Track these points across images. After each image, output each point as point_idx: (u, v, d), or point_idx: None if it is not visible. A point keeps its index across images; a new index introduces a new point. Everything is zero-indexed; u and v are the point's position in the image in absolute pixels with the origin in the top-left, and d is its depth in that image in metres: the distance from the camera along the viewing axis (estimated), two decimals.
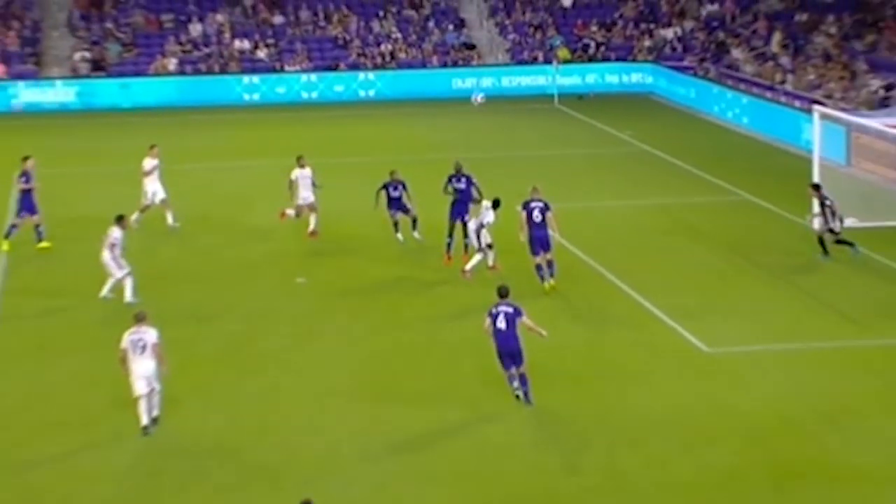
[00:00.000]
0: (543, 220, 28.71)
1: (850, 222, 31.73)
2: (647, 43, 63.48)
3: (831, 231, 31.10)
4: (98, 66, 60.26)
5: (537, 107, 57.54)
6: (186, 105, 57.58)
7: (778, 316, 27.49)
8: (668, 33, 63.89)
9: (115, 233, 28.25)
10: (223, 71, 60.68)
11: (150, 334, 21.20)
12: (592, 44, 63.70)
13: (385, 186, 32.54)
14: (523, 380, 22.22)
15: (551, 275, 28.89)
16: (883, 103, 45.69)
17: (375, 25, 63.95)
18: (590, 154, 46.70)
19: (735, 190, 39.57)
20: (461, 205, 31.03)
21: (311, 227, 33.89)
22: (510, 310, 22.07)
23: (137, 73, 60.10)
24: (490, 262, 30.20)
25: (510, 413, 22.12)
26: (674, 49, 62.96)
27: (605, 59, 63.05)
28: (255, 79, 60.07)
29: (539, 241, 28.74)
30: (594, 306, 28.32)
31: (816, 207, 31.90)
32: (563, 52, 62.47)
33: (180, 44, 61.72)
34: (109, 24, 62.32)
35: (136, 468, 20.40)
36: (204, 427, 21.88)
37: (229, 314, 28.04)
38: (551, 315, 26.30)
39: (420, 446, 21.04)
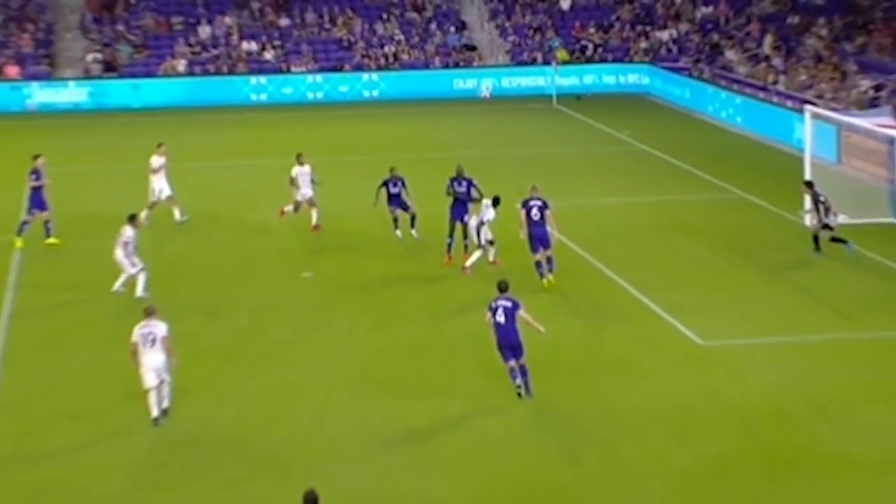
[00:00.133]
0: (542, 218, 28.66)
1: (840, 219, 31.68)
2: (644, 44, 63.41)
3: (826, 226, 31.04)
4: (109, 68, 60.23)
5: (536, 107, 57.48)
6: (195, 105, 57.55)
7: (771, 310, 27.46)
8: (664, 35, 63.81)
9: (128, 232, 28.25)
10: (231, 72, 60.65)
11: (159, 328, 21.18)
12: (590, 45, 63.64)
13: (385, 183, 32.51)
14: (523, 371, 22.20)
15: (550, 270, 28.84)
16: (872, 103, 45.59)
17: (379, 28, 63.89)
18: (588, 153, 46.65)
19: (729, 188, 39.52)
20: (461, 206, 30.93)
21: (314, 221, 33.90)
22: (509, 304, 22.04)
23: (148, 74, 60.07)
24: (491, 258, 30.16)
25: (510, 405, 22.08)
26: (669, 50, 62.89)
27: (603, 61, 62.99)
28: (262, 79, 60.02)
29: (538, 238, 28.69)
30: (592, 301, 28.27)
31: (808, 204, 31.86)
32: (562, 54, 62.41)
33: (189, 45, 61.68)
34: (121, 27, 62.28)
35: (146, 458, 20.37)
36: (212, 418, 21.85)
37: (237, 308, 28.01)
38: (551, 310, 26.27)
39: (422, 437, 21.02)
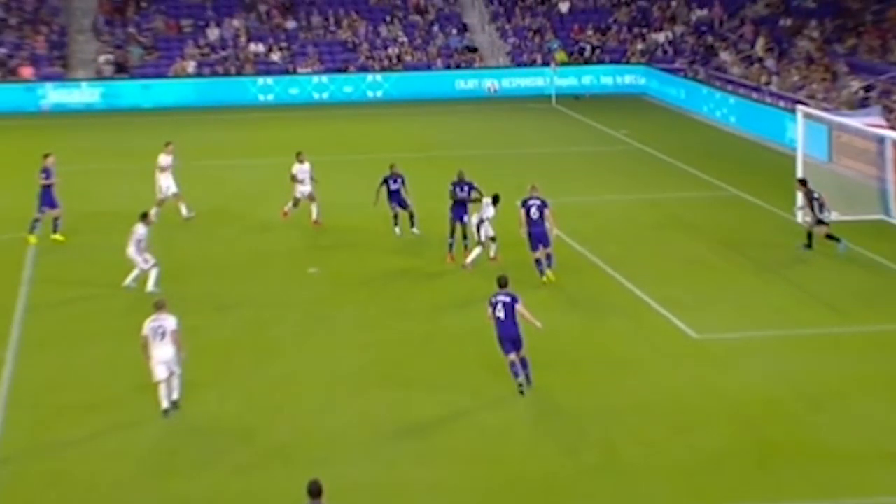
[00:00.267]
0: (541, 216, 28.57)
1: (832, 216, 31.58)
2: (640, 46, 63.32)
3: (821, 223, 30.95)
4: (121, 69, 60.17)
5: (536, 107, 57.40)
6: (204, 105, 57.50)
7: (764, 305, 27.38)
8: (660, 37, 63.71)
9: (141, 229, 28.20)
10: (239, 73, 60.57)
11: (169, 321, 21.12)
12: (588, 47, 63.54)
13: (385, 180, 32.45)
14: (524, 363, 22.13)
15: (549, 266, 28.76)
16: (862, 103, 45.54)
17: (383, 30, 63.80)
18: (586, 152, 46.56)
19: (723, 185, 39.44)
20: (461, 207, 30.80)
21: (314, 217, 33.88)
22: (507, 299, 21.96)
23: (158, 75, 60.00)
24: (492, 254, 30.09)
25: (511, 398, 22.01)
26: (665, 52, 62.79)
27: (601, 62, 62.90)
28: (269, 80, 59.95)
29: (537, 237, 28.60)
30: (590, 296, 28.20)
31: (801, 201, 31.79)
32: (561, 55, 62.32)
33: (199, 47, 61.60)
34: (132, 29, 62.21)
35: (156, 448, 20.33)
36: (221, 410, 21.81)
37: (244, 303, 27.95)
38: (549, 305, 26.20)
39: (425, 429, 20.95)
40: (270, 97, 59.69)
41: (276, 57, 61.72)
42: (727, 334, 25.47)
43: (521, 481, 19.04)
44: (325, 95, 60.06)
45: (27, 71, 59.01)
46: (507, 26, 65.20)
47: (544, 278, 28.60)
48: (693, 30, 63.48)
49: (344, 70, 61.24)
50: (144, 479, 19.32)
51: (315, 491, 15.07)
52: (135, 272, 28.26)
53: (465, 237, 30.64)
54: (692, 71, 59.21)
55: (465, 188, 30.92)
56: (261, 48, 62.00)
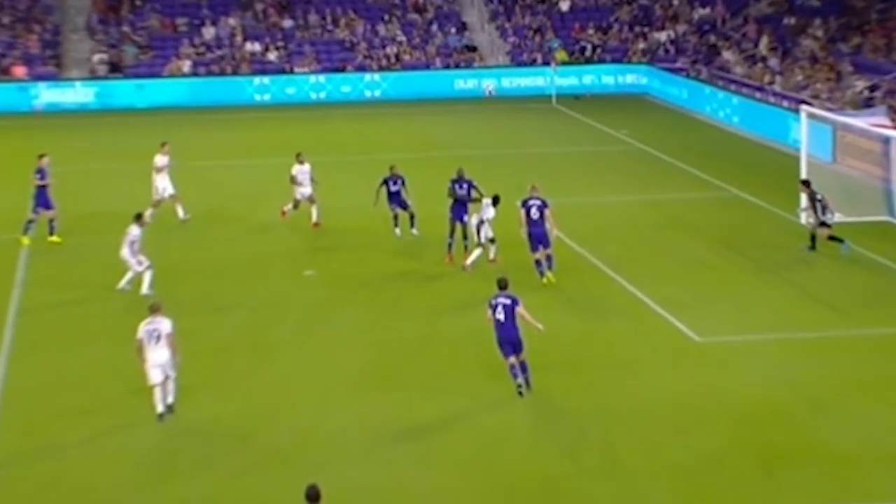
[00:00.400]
0: (541, 217, 28.68)
1: (836, 217, 31.69)
2: (642, 45, 63.43)
3: (824, 224, 31.07)
4: (115, 68, 60.27)
5: (536, 107, 57.50)
6: (200, 105, 57.58)
7: (767, 307, 27.49)
8: (662, 36, 63.82)
9: (134, 231, 28.26)
10: (235, 72, 60.68)
11: (164, 325, 21.20)
12: (589, 46, 63.65)
13: (385, 181, 32.56)
14: (523, 367, 22.24)
15: (550, 268, 28.88)
16: (867, 103, 45.64)
17: (381, 29, 63.91)
18: (587, 152, 46.67)
19: (726, 186, 39.55)
20: (461, 206, 30.97)
21: (314, 218, 33.97)
22: (508, 301, 22.06)
23: (153, 75, 60.09)
24: (491, 256, 30.20)
25: (510, 401, 22.12)
26: (667, 51, 62.91)
27: (602, 61, 63.00)
28: (266, 80, 60.05)
29: (537, 237, 28.72)
30: (591, 298, 28.31)
31: (805, 202, 31.89)
32: (561, 55, 62.43)
33: (194, 46, 61.71)
34: (126, 28, 62.31)
35: (152, 453, 20.42)
36: (217, 413, 21.90)
37: (241, 305, 28.06)
38: (549, 306, 26.31)
39: (424, 432, 21.06)
40: (267, 97, 59.79)
41: (272, 56, 61.83)
42: (728, 336, 25.59)
43: (521, 483, 19.16)
44: (323, 95, 60.16)
45: (20, 70, 59.11)
46: (507, 25, 65.31)
47: (544, 279, 28.72)
48: (695, 29, 63.59)
49: (341, 69, 61.33)
50: (141, 483, 19.42)
51: (313, 496, 15.12)
52: (129, 275, 28.34)
53: (465, 237, 30.76)
54: (695, 70, 59.32)
55: (465, 185, 31.04)
56: (257, 47, 62.10)
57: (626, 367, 23.90)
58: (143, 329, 21.19)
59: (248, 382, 23.40)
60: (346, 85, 60.55)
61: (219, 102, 58.17)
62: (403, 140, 48.59)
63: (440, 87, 60.65)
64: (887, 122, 37.52)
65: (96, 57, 60.58)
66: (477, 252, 30.02)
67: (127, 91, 58.85)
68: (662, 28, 64.37)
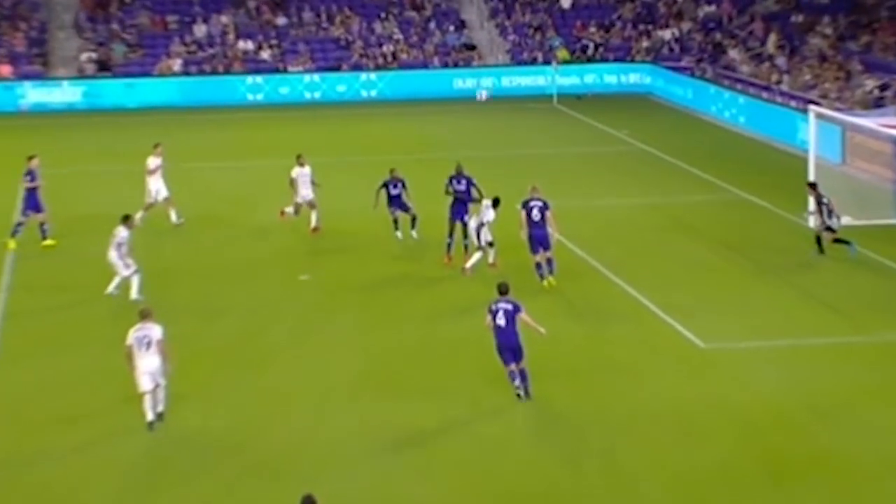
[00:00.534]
0: (543, 218, 28.73)
1: (844, 220, 31.77)
2: (645, 44, 63.52)
3: (829, 229, 31.14)
4: (104, 67, 60.31)
5: (537, 107, 57.58)
6: (191, 105, 57.65)
7: (773, 312, 27.53)
8: (666, 34, 63.91)
9: (122, 232, 28.27)
10: (227, 71, 60.73)
11: (154, 331, 21.22)
12: (591, 45, 63.74)
13: (385, 184, 32.60)
14: (523, 375, 22.27)
15: (550, 272, 28.93)
16: (877, 103, 45.70)
17: (377, 27, 63.98)
18: (588, 153, 46.74)
19: (731, 188, 39.61)
20: (461, 205, 31.09)
21: (313, 224, 33.98)
22: (509, 306, 22.10)
23: (143, 74, 60.14)
24: (490, 260, 30.25)
25: (510, 408, 22.16)
26: (671, 50, 62.99)
27: (604, 60, 63.10)
28: (259, 79, 60.12)
29: (538, 239, 28.77)
30: (592, 303, 28.36)
31: (813, 206, 31.94)
32: (563, 53, 62.51)
33: (185, 44, 61.76)
34: (115, 25, 62.36)
35: (141, 462, 20.44)
36: (208, 422, 21.92)
37: (233, 311, 28.09)
38: (550, 311, 26.34)
39: (421, 441, 21.09)
40: (260, 97, 59.84)
41: (265, 55, 61.89)
42: (733, 342, 25.64)
43: (521, 492, 19.19)
44: (317, 95, 60.22)
45: (5, 69, 59.15)
46: (507, 23, 65.39)
47: (545, 283, 28.76)
48: (700, 26, 63.67)
49: (337, 68, 61.39)
50: (130, 493, 19.44)
51: None
52: (116, 279, 28.34)
53: (465, 236, 30.83)
54: (699, 69, 59.39)
55: (463, 182, 31.17)
56: (250, 45, 62.16)
57: (628, 374, 23.95)
58: (132, 335, 21.20)
59: (240, 390, 23.43)
60: (342, 84, 60.61)
61: (210, 102, 58.22)
62: (400, 141, 48.65)
63: (438, 87, 60.72)
64: None
65: (84, 55, 60.62)
66: (477, 255, 30.06)
67: (116, 91, 58.89)
68: (666, 26, 64.46)
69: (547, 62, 61.55)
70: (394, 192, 32.56)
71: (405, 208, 32.70)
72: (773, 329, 26.49)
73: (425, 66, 62.35)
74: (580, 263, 31.29)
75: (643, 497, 19.06)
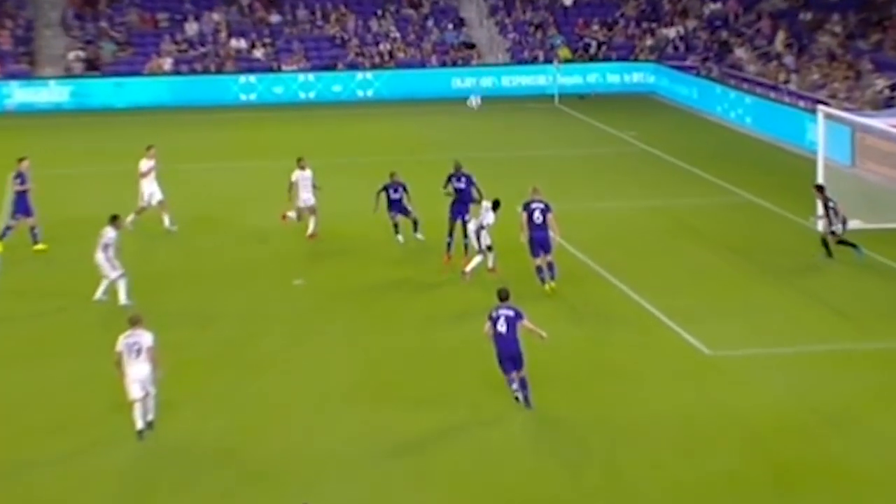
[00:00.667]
0: (544, 221, 28.78)
1: (854, 224, 31.86)
2: (649, 42, 63.61)
3: (833, 233, 31.24)
4: (92, 66, 60.37)
5: (538, 107, 57.65)
6: (182, 105, 57.70)
7: (781, 318, 27.60)
8: (671, 32, 64.01)
9: (110, 233, 28.28)
10: (219, 70, 60.80)
11: (145, 338, 21.25)
12: (594, 43, 63.83)
13: (385, 188, 32.64)
14: (523, 383, 22.32)
15: (552, 277, 28.99)
16: (888, 103, 45.79)
17: (374, 24, 64.06)
18: (591, 154, 46.81)
19: (738, 191, 39.69)
20: (461, 204, 31.25)
21: (311, 230, 33.86)
22: (511, 313, 22.15)
23: (132, 73, 60.19)
24: (490, 265, 30.31)
25: (510, 416, 22.22)
26: (676, 48, 63.08)
27: (607, 59, 63.20)
28: (252, 78, 60.19)
29: (539, 242, 28.83)
30: (594, 308, 28.42)
31: (820, 209, 32.02)
32: (564, 52, 62.60)
33: (176, 43, 61.82)
34: (104, 23, 62.42)
35: (131, 472, 20.49)
36: (200, 431, 21.97)
37: (226, 317, 28.14)
38: (552, 317, 26.39)
39: (419, 450, 21.15)
40: (253, 96, 59.91)
41: (259, 53, 61.96)
42: (739, 349, 25.70)
43: (521, 502, 19.25)
44: (312, 95, 60.29)
45: None
46: (507, 21, 65.48)
47: (546, 287, 28.81)
48: (706, 24, 63.78)
49: (332, 67, 61.47)
50: None
51: None
52: (104, 283, 28.35)
53: (465, 236, 30.94)
54: (705, 69, 59.49)
55: (463, 180, 31.34)
56: (243, 44, 62.24)
57: (632, 382, 24.01)
58: (122, 342, 21.24)
59: (233, 397, 23.48)
60: (337, 84, 60.69)
61: (202, 102, 58.27)
62: (397, 142, 48.71)
63: (436, 87, 60.79)
64: None
65: (72, 54, 60.68)
66: (477, 259, 30.12)
67: (104, 90, 58.95)
68: (671, 24, 64.56)
69: (548, 61, 61.64)
70: (394, 196, 32.59)
71: (406, 212, 32.74)
72: (780, 335, 26.56)
73: (423, 65, 62.43)
74: (582, 267, 31.36)
75: None
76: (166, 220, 35.00)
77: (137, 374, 21.16)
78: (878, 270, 30.92)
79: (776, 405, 22.84)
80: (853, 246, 31.18)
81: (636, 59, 62.98)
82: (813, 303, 28.75)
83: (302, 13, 64.30)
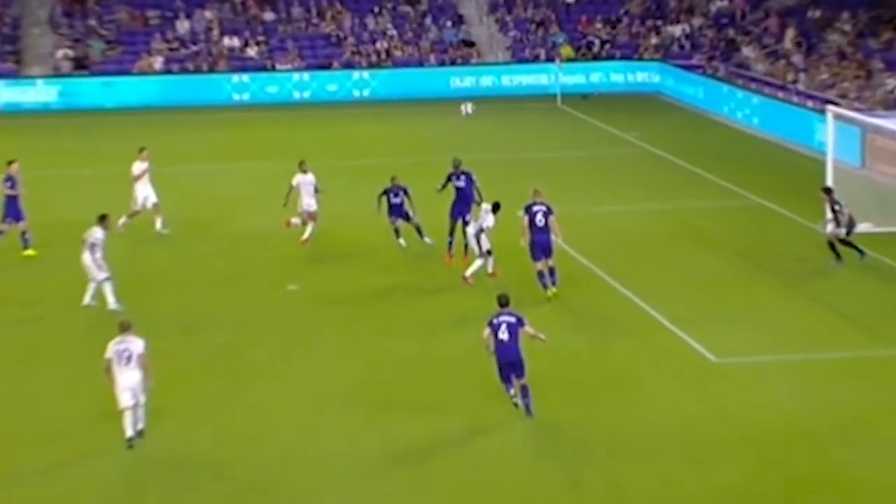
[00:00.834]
0: (546, 224, 28.76)
1: (865, 227, 31.86)
2: (654, 40, 63.63)
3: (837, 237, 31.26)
4: (81, 65, 60.40)
5: (539, 107, 57.67)
6: (173, 105, 57.72)
7: (790, 324, 27.58)
8: (676, 30, 64.04)
9: (97, 233, 28.21)
10: (211, 70, 60.83)
11: (135, 344, 21.20)
12: (597, 41, 63.86)
13: (385, 192, 32.57)
14: (525, 392, 22.27)
15: (553, 282, 28.96)
16: None
17: (370, 22, 64.08)
18: (593, 156, 46.83)
19: (745, 193, 39.68)
20: (461, 204, 31.36)
21: (305, 236, 33.65)
22: (512, 319, 22.10)
23: (122, 72, 60.24)
24: (490, 269, 30.28)
25: (509, 425, 22.19)
26: (682, 47, 63.11)
27: (610, 58, 63.24)
28: (245, 78, 60.22)
29: (541, 246, 28.79)
30: (598, 314, 28.40)
31: (829, 213, 32.01)
32: (567, 50, 62.62)
33: (167, 41, 61.84)
34: (92, 21, 62.46)
35: (120, 483, 20.45)
36: (192, 441, 21.94)
37: (218, 323, 28.11)
38: (554, 323, 26.37)
39: (416, 460, 21.11)
40: (246, 96, 59.94)
41: (252, 52, 61.98)
42: (747, 356, 25.68)
43: None
44: (307, 94, 60.31)
45: None
46: (508, 18, 65.52)
47: (548, 293, 28.78)
48: (713, 22, 63.80)
49: (327, 66, 61.49)
50: None
51: None
52: (91, 287, 28.31)
53: (465, 235, 31.02)
54: (711, 68, 59.51)
55: (463, 178, 31.39)
56: (235, 42, 62.26)
57: (636, 389, 23.98)
58: (112, 348, 21.20)
59: (224, 407, 23.44)
60: (333, 83, 60.72)
61: (193, 102, 58.30)
62: (395, 143, 48.73)
63: (435, 86, 60.82)
64: None
65: (60, 52, 60.71)
66: (478, 263, 30.11)
67: (93, 90, 58.98)
68: (677, 22, 64.59)
69: (550, 60, 61.67)
70: (394, 200, 32.51)
71: (407, 217, 32.68)
72: (789, 341, 26.53)
73: (421, 63, 62.46)
74: (585, 272, 31.34)
75: None
76: (158, 223, 34.97)
77: (128, 382, 21.11)
78: (889, 275, 30.91)
79: (785, 414, 22.80)
80: (857, 249, 31.14)
81: (640, 58, 63.02)
82: (822, 308, 28.73)
83: (296, 10, 64.33)
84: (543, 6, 65.99)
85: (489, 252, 30.10)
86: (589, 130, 52.28)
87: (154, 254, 33.69)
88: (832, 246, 31.45)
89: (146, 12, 63.40)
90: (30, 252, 32.91)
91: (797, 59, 55.47)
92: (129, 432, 21.29)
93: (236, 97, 59.81)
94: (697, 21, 64.34)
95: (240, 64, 61.26)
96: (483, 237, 29.97)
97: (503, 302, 22.48)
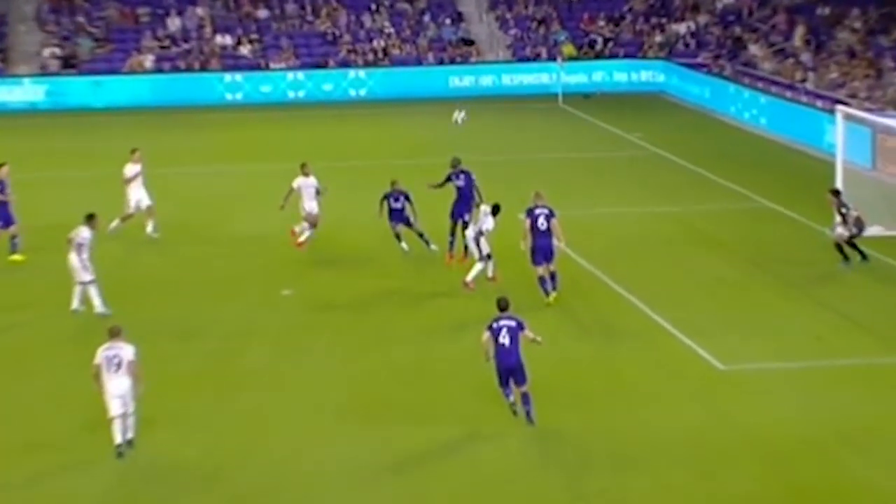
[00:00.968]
0: (548, 228, 28.77)
1: (875, 230, 31.90)
2: (659, 38, 63.69)
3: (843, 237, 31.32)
4: (69, 63, 60.42)
5: (540, 107, 57.71)
6: (164, 105, 57.76)
7: (797, 331, 27.59)
8: (681, 28, 64.10)
9: (84, 233, 28.18)
10: (203, 68, 60.85)
11: (125, 350, 21.19)
12: (600, 39, 63.90)
13: (386, 197, 32.56)
14: (526, 399, 22.28)
15: (554, 287, 28.97)
16: None
17: (367, 20, 64.13)
18: (596, 157, 46.85)
19: (752, 196, 39.71)
20: (462, 204, 31.43)
21: (302, 238, 33.60)
22: (513, 323, 22.12)
23: (111, 71, 60.28)
24: (489, 273, 30.31)
25: (509, 433, 22.20)
26: (687, 45, 63.16)
27: (614, 56, 63.28)
28: (238, 77, 60.26)
29: (542, 251, 28.80)
30: (601, 319, 28.42)
31: (837, 216, 32.04)
32: (569, 49, 62.66)
33: (157, 39, 61.87)
34: (81, 18, 62.48)
35: (110, 494, 20.46)
36: (182, 450, 21.93)
37: (210, 329, 28.12)
38: (555, 329, 26.42)
39: (413, 469, 21.12)
40: (239, 96, 59.97)
41: (245, 50, 62.01)
42: (755, 363, 25.69)
43: None
44: (302, 94, 60.35)
45: None
46: (508, 15, 65.57)
47: (550, 299, 28.80)
48: (719, 19, 63.86)
49: (323, 65, 61.52)
50: None
51: None
52: (77, 291, 28.29)
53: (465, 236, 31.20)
54: (717, 66, 59.55)
55: (462, 177, 31.47)
56: (228, 40, 62.30)
57: (640, 397, 23.99)
58: (101, 354, 21.18)
59: (216, 416, 23.45)
60: (328, 83, 60.75)
61: (185, 102, 58.34)
62: (392, 144, 48.78)
63: (433, 86, 60.86)
64: None
65: (47, 51, 60.73)
66: (478, 267, 30.13)
67: (82, 89, 59.01)
68: (682, 19, 64.66)
69: (552, 58, 61.70)
70: (395, 205, 32.49)
71: (408, 223, 32.66)
72: (797, 348, 26.55)
73: (419, 62, 62.50)
74: (588, 278, 31.36)
75: None
76: (149, 227, 34.96)
77: (117, 389, 21.11)
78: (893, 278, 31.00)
79: (793, 423, 22.81)
80: (860, 252, 31.17)
81: (644, 57, 63.07)
82: (832, 314, 28.75)
83: (291, 8, 64.36)
84: (545, 3, 66.06)
85: (489, 256, 30.12)
86: (591, 131, 52.32)
87: (145, 257, 33.71)
88: (839, 248, 31.50)
89: (136, 9, 63.44)
90: (17, 257, 32.91)
91: (806, 57, 55.52)
92: (119, 440, 21.29)
93: (229, 97, 59.85)
94: (703, 18, 64.40)
95: (232, 62, 61.31)
96: (482, 240, 29.99)
97: (503, 306, 22.51)
